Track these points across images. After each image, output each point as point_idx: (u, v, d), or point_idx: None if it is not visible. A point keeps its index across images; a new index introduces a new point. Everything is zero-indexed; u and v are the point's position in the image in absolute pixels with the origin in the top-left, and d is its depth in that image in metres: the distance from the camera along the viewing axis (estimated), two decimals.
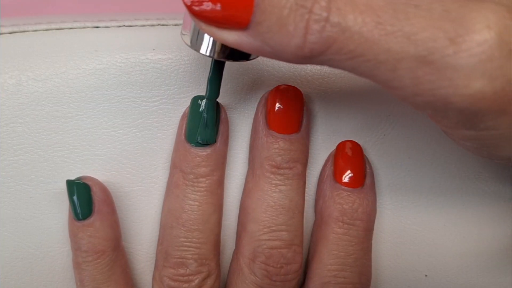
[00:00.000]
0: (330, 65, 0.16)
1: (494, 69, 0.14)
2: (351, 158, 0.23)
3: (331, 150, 0.23)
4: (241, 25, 0.16)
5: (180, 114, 0.23)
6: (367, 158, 0.23)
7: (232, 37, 0.16)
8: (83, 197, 0.21)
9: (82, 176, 0.22)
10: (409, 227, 0.24)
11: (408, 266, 0.24)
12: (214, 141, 0.22)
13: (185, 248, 0.22)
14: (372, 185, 0.23)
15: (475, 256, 0.24)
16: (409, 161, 0.24)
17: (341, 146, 0.23)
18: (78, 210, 0.21)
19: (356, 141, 0.23)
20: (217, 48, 0.19)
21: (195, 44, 0.19)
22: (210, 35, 0.17)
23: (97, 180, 0.22)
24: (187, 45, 0.19)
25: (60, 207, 0.23)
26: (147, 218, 0.23)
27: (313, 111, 0.23)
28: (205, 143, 0.21)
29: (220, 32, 0.16)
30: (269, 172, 0.22)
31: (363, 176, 0.23)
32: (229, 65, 0.23)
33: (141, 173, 0.23)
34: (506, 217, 0.24)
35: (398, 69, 0.15)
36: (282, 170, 0.22)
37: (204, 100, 0.21)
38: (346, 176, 0.22)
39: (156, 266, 0.23)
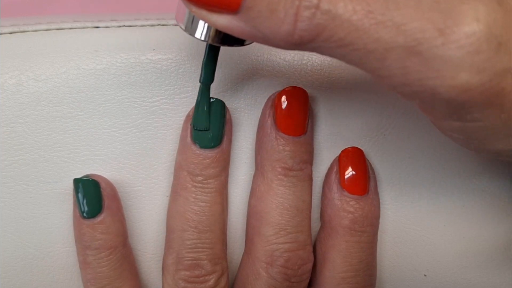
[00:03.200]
0: (319, 52, 0.16)
1: (481, 61, 0.14)
2: (356, 166, 0.23)
3: (332, 150, 0.24)
4: (231, 9, 0.15)
5: (181, 114, 0.23)
6: (369, 162, 0.23)
7: (223, 21, 0.16)
8: (93, 194, 0.21)
9: (88, 174, 0.22)
10: (409, 227, 0.24)
11: (407, 265, 0.24)
12: (220, 142, 0.22)
13: (199, 250, 0.22)
14: (375, 189, 0.23)
15: (475, 256, 0.24)
16: (409, 161, 0.24)
17: (345, 153, 0.23)
18: (87, 208, 0.21)
19: (356, 140, 0.23)
20: (211, 32, 0.18)
21: (190, 28, 0.18)
22: (201, 19, 0.17)
23: (102, 176, 0.22)
24: (182, 29, 0.19)
25: (60, 207, 0.23)
26: (148, 218, 0.23)
27: (313, 111, 0.23)
28: (201, 129, 0.21)
29: (211, 16, 0.16)
30: (282, 175, 0.22)
31: (368, 182, 0.23)
32: (228, 68, 0.23)
33: (142, 173, 0.23)
34: (506, 217, 0.24)
35: (387, 59, 0.15)
36: (294, 172, 0.22)
37: (199, 85, 0.21)
38: (353, 184, 0.23)
39: (166, 271, 0.22)
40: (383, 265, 0.24)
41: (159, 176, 0.23)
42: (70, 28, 0.23)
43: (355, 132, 0.23)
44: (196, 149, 0.22)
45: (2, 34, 0.22)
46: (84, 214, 0.21)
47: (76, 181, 0.21)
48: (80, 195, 0.21)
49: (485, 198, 0.24)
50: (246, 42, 0.19)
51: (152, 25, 0.23)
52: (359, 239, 0.22)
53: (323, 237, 0.23)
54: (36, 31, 0.22)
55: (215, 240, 0.22)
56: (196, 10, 0.16)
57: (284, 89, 0.22)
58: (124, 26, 0.23)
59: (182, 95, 0.22)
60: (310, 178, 0.23)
